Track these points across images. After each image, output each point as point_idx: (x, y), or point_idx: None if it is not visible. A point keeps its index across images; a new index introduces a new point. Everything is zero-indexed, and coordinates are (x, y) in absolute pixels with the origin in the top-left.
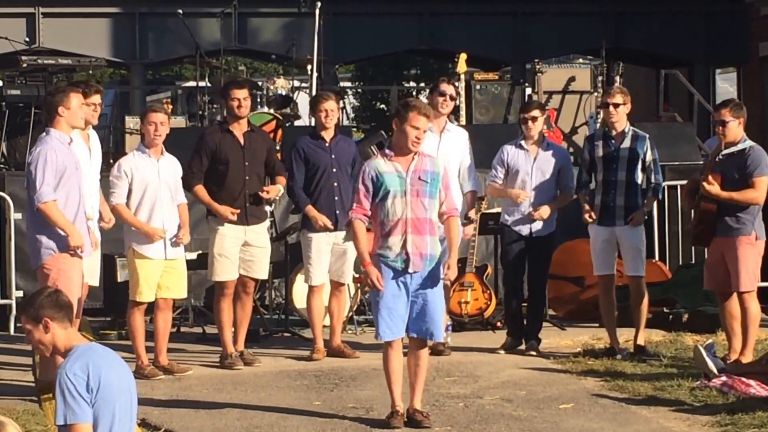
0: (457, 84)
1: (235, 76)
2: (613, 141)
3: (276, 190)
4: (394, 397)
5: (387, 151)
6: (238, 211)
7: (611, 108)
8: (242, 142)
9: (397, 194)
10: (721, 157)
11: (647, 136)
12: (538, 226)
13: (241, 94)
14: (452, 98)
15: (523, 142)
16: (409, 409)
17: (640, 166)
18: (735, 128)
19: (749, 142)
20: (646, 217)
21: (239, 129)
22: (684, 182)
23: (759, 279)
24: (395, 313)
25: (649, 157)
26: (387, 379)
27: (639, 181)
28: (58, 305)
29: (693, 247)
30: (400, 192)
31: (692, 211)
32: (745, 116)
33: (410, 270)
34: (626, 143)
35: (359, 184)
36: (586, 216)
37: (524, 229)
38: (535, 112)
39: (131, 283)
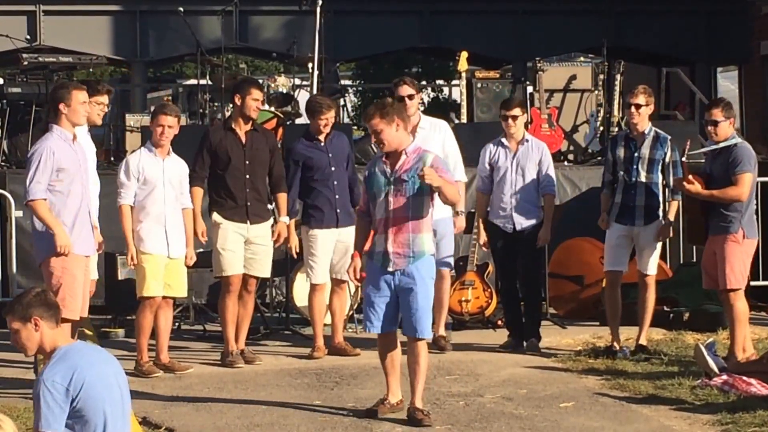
0: (458, 81)
1: (237, 73)
2: (634, 142)
3: (284, 235)
4: (388, 385)
5: (382, 152)
6: (205, 239)
7: (633, 109)
8: (244, 141)
9: (381, 194)
10: (687, 153)
11: (668, 137)
12: (521, 220)
13: (260, 95)
14: (411, 97)
15: (503, 140)
16: (409, 408)
17: (660, 167)
18: (726, 127)
19: (737, 139)
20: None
21: (243, 128)
22: None
23: (746, 277)
24: (376, 307)
25: (668, 159)
26: (384, 371)
27: (659, 182)
28: (47, 304)
29: (694, 246)
30: (384, 192)
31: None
32: (735, 116)
33: (390, 269)
34: (647, 144)
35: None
36: (600, 222)
37: (508, 225)
38: (516, 111)
39: (138, 281)
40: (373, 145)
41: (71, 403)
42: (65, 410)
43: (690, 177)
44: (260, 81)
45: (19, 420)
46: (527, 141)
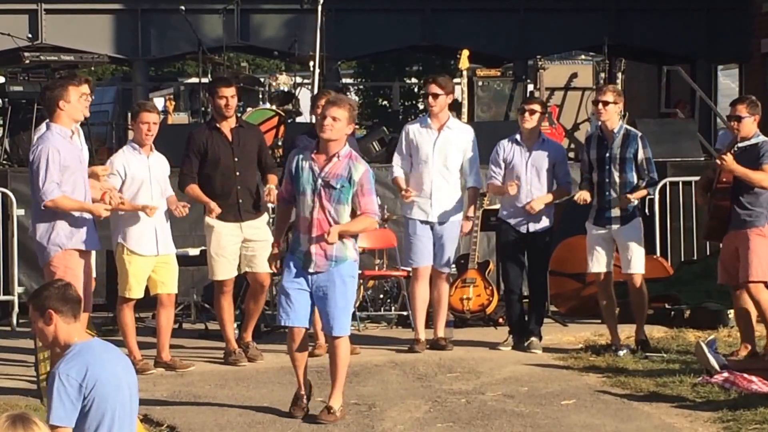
0: (459, 80)
1: (238, 71)
2: (605, 142)
3: (273, 194)
4: (299, 381)
5: (313, 146)
6: (218, 210)
7: (600, 106)
8: (230, 138)
9: (307, 192)
10: (736, 149)
11: (639, 134)
12: (534, 222)
13: (229, 92)
14: (435, 96)
15: (518, 137)
16: (325, 406)
17: (633, 166)
18: (749, 124)
19: (762, 137)
20: (635, 202)
21: (227, 125)
22: (685, 179)
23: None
24: (292, 300)
25: (641, 156)
26: (292, 365)
27: (633, 181)
28: (65, 299)
29: (695, 244)
30: (310, 191)
31: (706, 206)
32: (760, 114)
33: (311, 270)
34: (618, 143)
35: (285, 168)
36: (578, 197)
37: (521, 226)
38: (535, 106)
39: (120, 280)
40: (375, 143)
41: (82, 400)
42: (77, 407)
43: (728, 154)
44: (261, 79)
45: None
46: (543, 141)
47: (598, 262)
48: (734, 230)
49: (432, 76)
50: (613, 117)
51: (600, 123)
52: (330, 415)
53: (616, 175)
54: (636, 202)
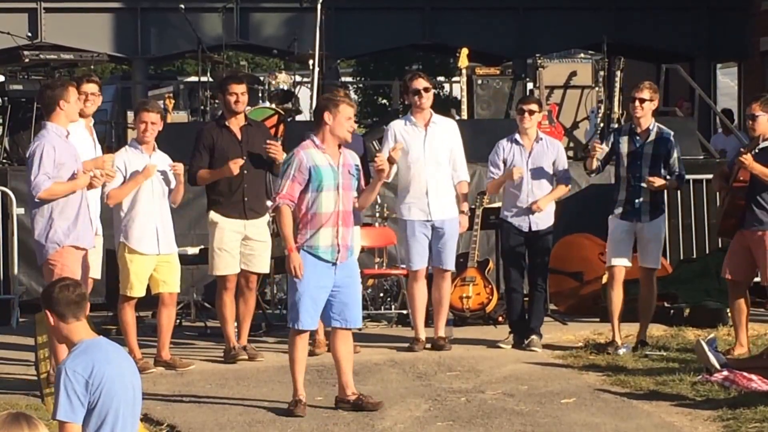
0: (459, 78)
1: (237, 70)
2: (638, 138)
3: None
4: (298, 386)
5: (317, 143)
6: (242, 161)
7: (637, 103)
8: (239, 136)
9: (331, 187)
10: (757, 150)
11: (672, 133)
12: (537, 220)
13: (239, 89)
14: (427, 90)
15: (517, 137)
16: (353, 395)
17: (663, 164)
18: (764, 122)
19: None
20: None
21: (236, 124)
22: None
23: None
24: (318, 304)
25: (674, 155)
26: (292, 368)
27: (663, 177)
28: (69, 298)
29: (694, 242)
30: (334, 185)
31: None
32: None
33: (338, 261)
34: (651, 141)
35: (292, 170)
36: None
37: (524, 225)
38: (533, 106)
39: (122, 278)
40: (375, 142)
41: (89, 397)
42: (84, 403)
43: (748, 155)
44: (261, 78)
45: None
46: (541, 139)
47: (620, 257)
48: (748, 230)
49: (414, 71)
50: (648, 114)
51: (633, 119)
52: (376, 401)
53: (647, 171)
54: (658, 191)
